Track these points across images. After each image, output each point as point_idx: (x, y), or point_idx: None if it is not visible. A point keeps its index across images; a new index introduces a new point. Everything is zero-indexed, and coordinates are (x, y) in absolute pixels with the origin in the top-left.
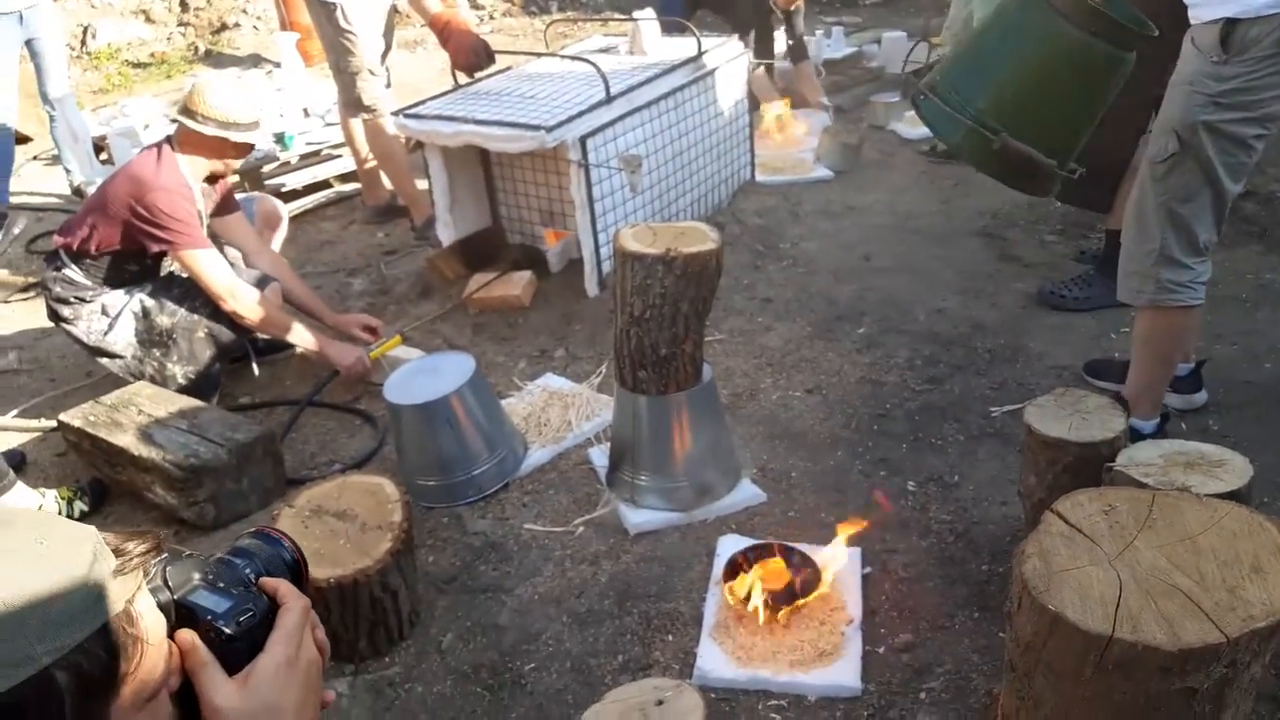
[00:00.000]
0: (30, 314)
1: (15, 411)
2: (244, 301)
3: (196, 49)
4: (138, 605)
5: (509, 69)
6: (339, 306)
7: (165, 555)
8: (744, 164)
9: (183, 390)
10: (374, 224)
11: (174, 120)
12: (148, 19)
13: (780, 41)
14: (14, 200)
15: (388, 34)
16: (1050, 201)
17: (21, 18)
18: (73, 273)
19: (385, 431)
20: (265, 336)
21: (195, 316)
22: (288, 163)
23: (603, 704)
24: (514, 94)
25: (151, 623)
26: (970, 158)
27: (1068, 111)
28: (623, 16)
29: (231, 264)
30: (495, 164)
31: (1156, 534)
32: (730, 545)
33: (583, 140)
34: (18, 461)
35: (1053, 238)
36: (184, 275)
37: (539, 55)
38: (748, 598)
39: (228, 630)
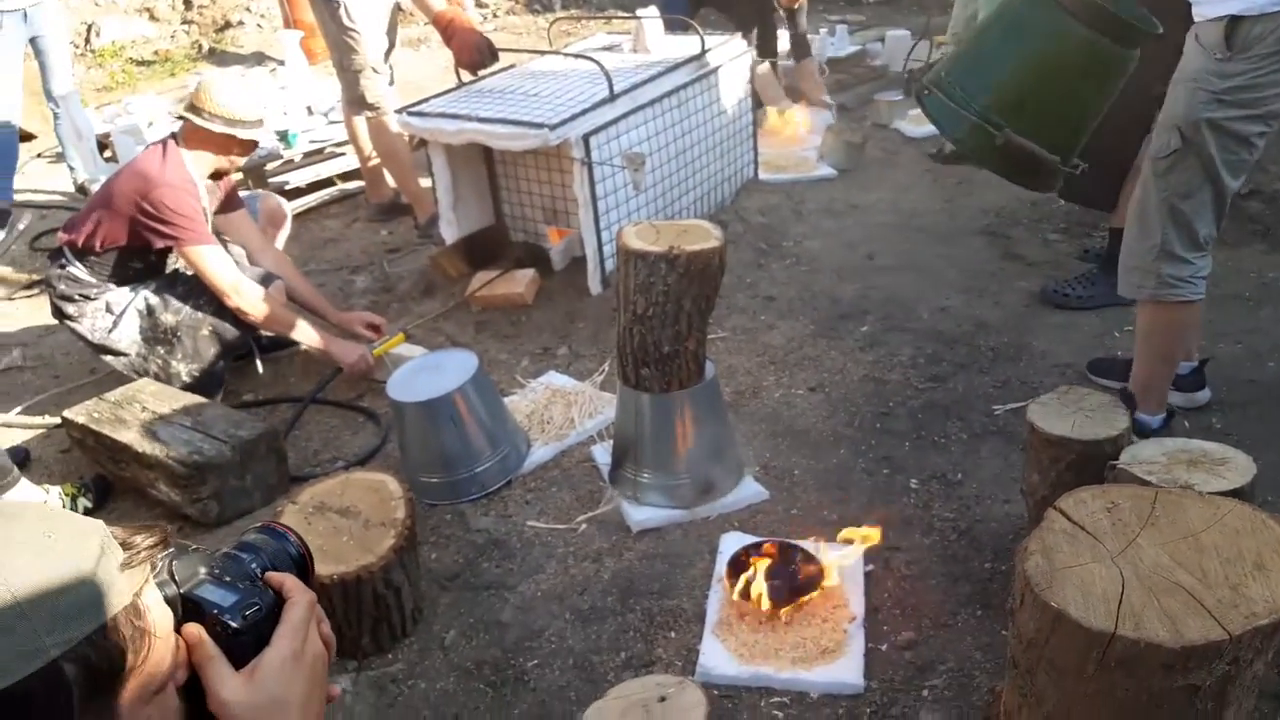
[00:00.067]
0: (34, 311)
1: (19, 408)
2: (248, 298)
3: (200, 47)
4: (145, 599)
5: (512, 67)
6: (342, 304)
7: (172, 549)
8: (747, 162)
9: (187, 387)
10: (377, 222)
11: (180, 117)
12: (152, 17)
13: (783, 39)
14: (18, 197)
15: (391, 31)
16: (1054, 200)
17: (26, 15)
18: (77, 270)
19: (388, 429)
20: (269, 334)
21: (199, 314)
22: (291, 160)
23: (605, 700)
24: (517, 92)
25: (158, 616)
26: (974, 153)
27: (1071, 108)
28: (626, 14)
29: (235, 261)
30: (498, 162)
31: (1159, 531)
32: (733, 543)
33: (586, 138)
34: (22, 458)
35: (1056, 236)
36: (188, 273)
37: (542, 53)
38: (749, 592)
39: (234, 624)
